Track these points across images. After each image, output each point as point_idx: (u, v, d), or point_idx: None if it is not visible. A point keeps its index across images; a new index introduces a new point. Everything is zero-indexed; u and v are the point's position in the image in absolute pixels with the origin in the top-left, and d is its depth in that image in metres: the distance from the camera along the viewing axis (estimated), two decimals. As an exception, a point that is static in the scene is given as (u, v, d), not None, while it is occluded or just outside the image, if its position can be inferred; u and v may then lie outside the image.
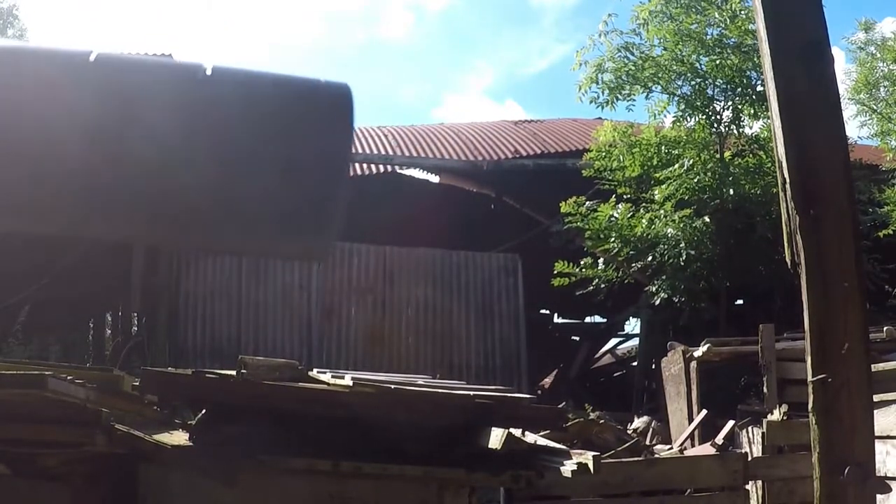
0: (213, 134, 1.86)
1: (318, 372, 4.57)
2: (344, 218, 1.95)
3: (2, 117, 1.79)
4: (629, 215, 12.24)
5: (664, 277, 12.20)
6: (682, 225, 11.76)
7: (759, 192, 11.93)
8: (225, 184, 1.88)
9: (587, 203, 12.44)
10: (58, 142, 1.78)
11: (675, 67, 12.16)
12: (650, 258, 12.16)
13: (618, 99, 12.20)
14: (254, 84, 1.97)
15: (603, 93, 12.16)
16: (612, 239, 12.31)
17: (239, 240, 2.07)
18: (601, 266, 13.08)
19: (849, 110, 14.34)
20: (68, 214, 1.87)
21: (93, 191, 1.83)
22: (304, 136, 1.91)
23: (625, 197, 12.51)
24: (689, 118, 12.52)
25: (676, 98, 12.54)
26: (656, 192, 12.13)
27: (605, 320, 18.12)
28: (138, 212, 1.88)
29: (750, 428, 7.69)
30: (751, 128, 12.88)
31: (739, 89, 12.21)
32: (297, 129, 1.91)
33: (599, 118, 14.28)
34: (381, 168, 16.03)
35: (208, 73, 1.87)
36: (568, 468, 3.75)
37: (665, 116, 12.95)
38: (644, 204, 12.38)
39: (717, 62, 12.01)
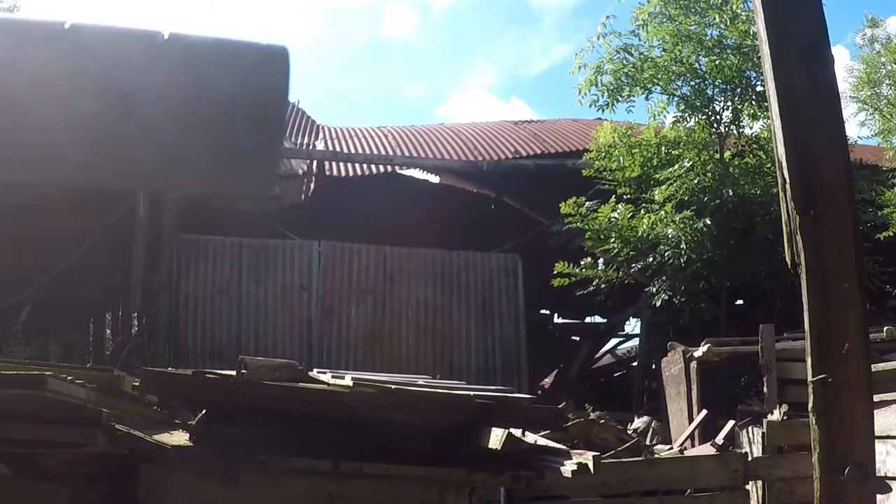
0: (164, 92, 2.04)
1: (318, 372, 4.57)
2: (278, 164, 2.10)
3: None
4: (629, 216, 12.23)
5: (664, 278, 12.19)
6: (682, 226, 11.76)
7: (759, 192, 11.93)
8: (174, 135, 2.05)
9: (587, 203, 12.43)
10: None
11: (674, 68, 12.15)
12: (650, 259, 12.16)
13: (617, 101, 12.20)
14: (200, 47, 2.13)
15: (602, 95, 12.16)
16: (613, 239, 12.30)
17: (184, 183, 2.28)
18: (601, 266, 13.07)
19: (849, 109, 14.35)
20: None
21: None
22: (244, 91, 2.08)
23: (625, 197, 12.50)
24: (688, 119, 12.51)
25: (676, 99, 12.54)
26: (656, 192, 12.13)
27: (605, 320, 18.11)
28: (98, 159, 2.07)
29: (750, 428, 7.70)
30: (751, 128, 12.88)
31: (739, 90, 12.21)
32: (238, 84, 2.08)
33: (599, 118, 14.28)
34: (381, 168, 16.04)
35: (165, 37, 2.04)
36: (568, 468, 3.75)
37: (665, 117, 12.96)
38: (644, 204, 12.38)
39: (717, 62, 12.01)
